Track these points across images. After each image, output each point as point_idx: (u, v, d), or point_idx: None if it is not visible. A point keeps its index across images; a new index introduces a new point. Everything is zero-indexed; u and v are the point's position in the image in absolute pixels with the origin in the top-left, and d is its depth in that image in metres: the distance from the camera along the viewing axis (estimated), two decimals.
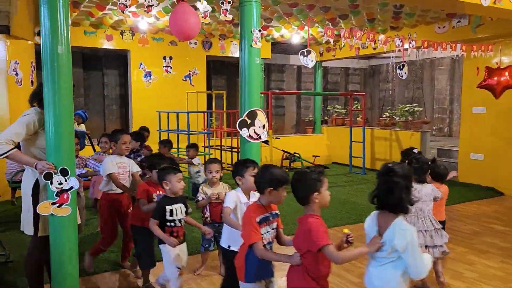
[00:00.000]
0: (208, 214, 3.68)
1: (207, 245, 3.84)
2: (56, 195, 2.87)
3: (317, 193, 2.19)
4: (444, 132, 11.32)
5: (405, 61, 5.68)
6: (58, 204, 2.88)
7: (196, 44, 9.23)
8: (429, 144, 9.03)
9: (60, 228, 2.92)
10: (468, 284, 3.75)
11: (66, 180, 2.89)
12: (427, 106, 11.35)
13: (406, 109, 9.21)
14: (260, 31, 3.63)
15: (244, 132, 3.64)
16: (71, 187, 2.91)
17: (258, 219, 2.37)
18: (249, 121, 3.65)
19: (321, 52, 10.80)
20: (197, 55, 9.27)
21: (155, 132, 8.06)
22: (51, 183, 2.84)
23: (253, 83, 3.68)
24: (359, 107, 10.40)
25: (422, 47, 5.18)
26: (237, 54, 9.82)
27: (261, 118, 3.71)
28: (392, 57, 8.43)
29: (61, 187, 2.88)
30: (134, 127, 8.74)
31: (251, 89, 3.67)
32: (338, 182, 8.52)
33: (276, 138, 9.68)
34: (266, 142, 8.63)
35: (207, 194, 3.59)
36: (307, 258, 2.21)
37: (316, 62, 11.13)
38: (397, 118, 9.58)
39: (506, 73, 5.43)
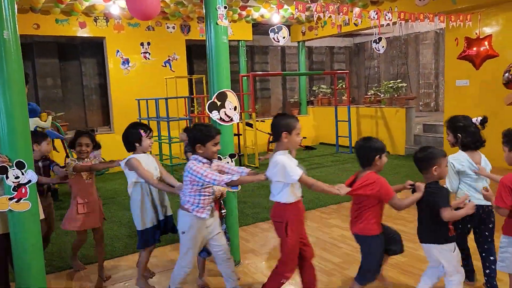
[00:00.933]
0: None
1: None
2: (13, 190, 2.73)
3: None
4: (431, 107, 11.24)
5: (381, 35, 5.53)
6: (16, 199, 2.74)
7: (174, 29, 8.99)
8: (415, 119, 8.94)
9: (21, 224, 2.78)
10: None
11: (23, 174, 2.74)
12: (413, 81, 11.23)
13: (390, 85, 9.10)
14: (226, 7, 3.45)
15: (215, 115, 3.49)
16: (29, 181, 2.76)
17: None
18: (219, 103, 3.50)
19: (303, 31, 10.60)
20: (176, 40, 9.04)
21: (135, 120, 7.89)
22: (7, 177, 2.69)
23: (221, 63, 3.52)
24: (344, 86, 10.27)
25: (399, 19, 5.02)
26: None
27: (232, 100, 3.56)
28: (375, 34, 8.26)
29: (18, 181, 2.73)
30: (115, 117, 8.56)
31: (219, 70, 3.51)
32: (324, 163, 8.45)
33: (261, 121, 9.54)
34: (250, 125, 8.51)
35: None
36: None
37: (299, 42, 10.97)
38: (382, 95, 9.47)
39: (486, 43, 5.31)
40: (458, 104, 7.63)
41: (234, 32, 9.72)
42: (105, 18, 8.18)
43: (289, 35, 11.17)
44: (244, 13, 8.79)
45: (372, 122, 9.49)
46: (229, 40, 10.87)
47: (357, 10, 4.62)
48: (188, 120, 7.30)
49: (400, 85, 9.07)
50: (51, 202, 3.85)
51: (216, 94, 3.51)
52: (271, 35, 4.10)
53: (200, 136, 2.80)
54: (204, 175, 2.69)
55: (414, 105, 9.48)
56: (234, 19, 9.13)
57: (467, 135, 2.92)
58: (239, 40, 10.15)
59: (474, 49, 5.16)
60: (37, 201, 2.88)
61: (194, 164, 2.77)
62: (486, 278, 2.97)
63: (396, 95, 9.17)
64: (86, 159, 3.42)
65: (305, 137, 9.88)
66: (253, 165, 8.21)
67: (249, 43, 11.14)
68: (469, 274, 3.07)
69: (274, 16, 8.95)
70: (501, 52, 6.35)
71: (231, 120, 3.58)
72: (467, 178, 2.95)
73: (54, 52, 9.15)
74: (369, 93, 10.10)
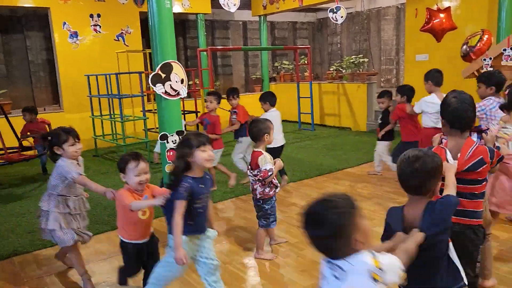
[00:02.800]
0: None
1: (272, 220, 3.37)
2: None
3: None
4: (392, 83, 11.26)
5: (339, 5, 5.31)
6: None
7: (126, 0, 8.43)
8: (376, 95, 8.90)
9: None
10: None
11: None
12: (375, 57, 11.18)
13: (351, 60, 8.98)
14: None
15: (159, 88, 3.20)
16: None
17: None
18: (163, 76, 3.21)
19: (264, 5, 10.26)
20: (129, 12, 8.49)
21: (86, 98, 7.43)
22: None
23: (165, 32, 3.21)
24: (306, 62, 10.07)
25: None
26: (175, 10, 9.08)
27: (178, 72, 3.27)
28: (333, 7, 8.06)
29: None
30: (64, 94, 8.03)
31: (163, 38, 3.21)
32: (286, 140, 8.29)
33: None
34: None
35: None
36: None
37: (261, 16, 10.63)
38: (344, 71, 9.36)
39: (446, 15, 5.23)
40: (417, 79, 7.58)
41: (191, 4, 9.27)
42: None
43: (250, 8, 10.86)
44: None
45: (334, 98, 9.39)
46: (187, 14, 10.39)
47: None
48: (142, 97, 6.90)
49: (361, 60, 8.97)
50: None
51: (160, 65, 3.21)
52: (221, 1, 3.80)
53: None
54: None
55: (376, 81, 9.43)
56: None
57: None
58: (197, 14, 9.70)
59: (437, 20, 5.06)
60: None
61: None
62: None
63: (358, 71, 9.07)
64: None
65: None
66: None
67: (209, 18, 10.70)
68: None
69: None
70: (460, 25, 6.31)
71: (178, 94, 3.30)
72: None
73: None
74: (331, 69, 9.97)
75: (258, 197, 3.24)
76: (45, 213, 2.89)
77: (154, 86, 3.18)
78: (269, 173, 3.12)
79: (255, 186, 3.23)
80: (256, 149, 3.25)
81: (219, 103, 5.09)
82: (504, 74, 3.72)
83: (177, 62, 3.28)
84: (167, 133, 3.28)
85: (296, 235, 3.75)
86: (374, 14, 11.34)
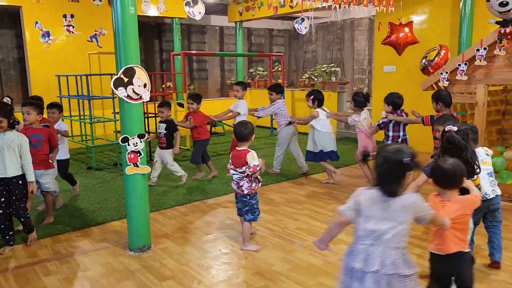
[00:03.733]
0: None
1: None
2: None
3: None
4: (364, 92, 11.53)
5: (321, 19, 5.48)
6: None
7: (101, 1, 8.40)
8: (346, 104, 9.13)
9: None
10: None
11: None
12: (348, 67, 11.45)
13: (323, 69, 9.19)
14: None
15: (121, 92, 3.26)
16: None
17: None
18: (126, 80, 3.27)
19: (240, 11, 10.40)
20: (104, 14, 8.45)
21: (56, 98, 7.37)
22: None
23: (129, 37, 3.26)
24: (280, 69, 10.24)
25: (333, 2, 5.01)
26: (150, 13, 9.15)
27: (141, 76, 3.34)
28: (311, 18, 8.25)
29: None
30: (34, 94, 7.92)
31: (126, 44, 3.26)
32: (258, 145, 8.42)
33: None
34: (181, 105, 8.26)
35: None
36: None
37: (237, 22, 10.76)
38: (316, 79, 9.56)
39: (407, 29, 5.45)
40: (385, 90, 7.83)
41: (167, 8, 9.32)
42: None
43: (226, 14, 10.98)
44: None
45: (305, 105, 9.50)
46: (163, 17, 10.38)
47: None
48: (112, 99, 6.90)
49: (333, 69, 9.19)
50: None
51: (122, 69, 3.27)
52: (186, 9, 3.89)
53: None
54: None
55: (347, 90, 9.66)
56: None
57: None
58: (173, 18, 9.75)
59: (401, 35, 5.27)
60: None
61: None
62: None
63: (330, 80, 9.27)
64: None
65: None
66: (184, 147, 8.01)
67: (186, 22, 10.77)
68: None
69: None
70: (424, 39, 6.59)
71: (140, 98, 3.37)
72: None
73: None
74: (303, 77, 10.16)
75: (246, 192, 3.48)
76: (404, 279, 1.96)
77: (116, 89, 3.24)
78: (258, 168, 3.36)
79: (241, 183, 3.46)
80: (240, 148, 3.46)
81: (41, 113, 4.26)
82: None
83: (140, 66, 3.35)
84: (128, 136, 3.34)
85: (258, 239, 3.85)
86: (348, 24, 11.63)
